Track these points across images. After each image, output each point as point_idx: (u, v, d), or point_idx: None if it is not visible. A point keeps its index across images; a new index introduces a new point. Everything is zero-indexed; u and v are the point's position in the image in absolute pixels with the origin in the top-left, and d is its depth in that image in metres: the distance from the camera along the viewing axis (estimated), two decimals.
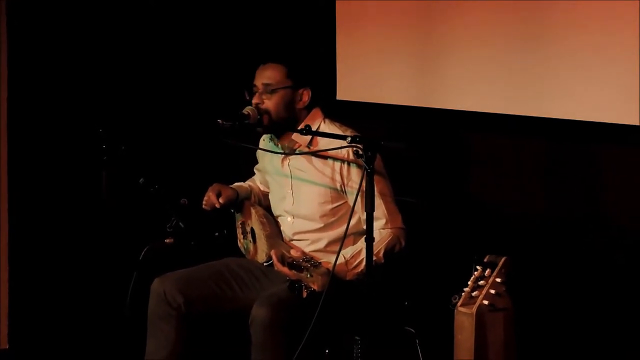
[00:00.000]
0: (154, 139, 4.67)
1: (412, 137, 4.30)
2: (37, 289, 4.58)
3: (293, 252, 3.43)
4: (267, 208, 3.77)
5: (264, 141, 3.75)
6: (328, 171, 3.53)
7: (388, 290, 3.56)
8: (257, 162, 3.89)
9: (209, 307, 3.63)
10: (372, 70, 4.41)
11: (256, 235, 3.69)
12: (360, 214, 3.46)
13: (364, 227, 3.19)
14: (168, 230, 3.66)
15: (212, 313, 3.65)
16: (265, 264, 3.63)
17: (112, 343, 4.29)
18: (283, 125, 3.57)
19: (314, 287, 3.23)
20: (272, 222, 3.68)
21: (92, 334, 4.53)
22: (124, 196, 4.01)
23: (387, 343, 3.43)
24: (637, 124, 3.55)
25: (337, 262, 3.29)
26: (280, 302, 3.36)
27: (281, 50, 4.17)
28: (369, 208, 3.12)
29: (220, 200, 3.71)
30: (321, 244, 3.57)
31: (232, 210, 3.85)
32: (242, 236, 3.84)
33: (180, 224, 3.65)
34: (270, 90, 3.55)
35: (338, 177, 3.52)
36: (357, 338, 3.19)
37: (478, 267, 2.85)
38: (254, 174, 3.96)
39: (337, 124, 3.58)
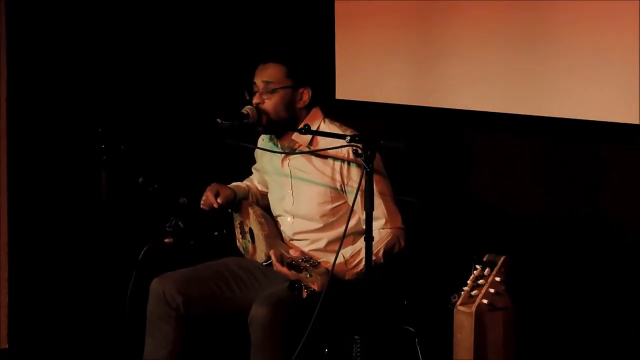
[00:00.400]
0: (154, 138, 4.68)
1: (412, 137, 4.30)
2: (36, 288, 4.59)
3: (292, 252, 3.43)
4: (265, 208, 3.77)
5: (263, 141, 3.75)
6: (328, 171, 3.53)
7: (387, 290, 3.56)
8: (255, 162, 3.88)
9: (208, 307, 3.63)
10: (371, 69, 4.41)
11: (254, 235, 3.69)
12: (360, 214, 3.46)
13: (364, 226, 3.18)
14: (167, 229, 3.66)
15: (211, 313, 3.65)
16: (264, 263, 3.63)
17: (111, 343, 4.29)
18: (283, 125, 3.57)
19: (314, 286, 3.22)
20: (270, 222, 3.67)
21: (91, 333, 4.53)
22: (123, 196, 4.01)
23: (386, 342, 3.43)
24: (638, 122, 3.55)
25: (337, 262, 3.29)
26: (280, 301, 3.35)
27: (281, 50, 4.17)
28: (369, 207, 3.12)
29: (219, 200, 3.71)
30: (321, 244, 3.57)
31: (230, 210, 3.85)
32: (240, 236, 3.84)
33: (180, 223, 3.65)
34: (270, 89, 3.54)
35: (338, 177, 3.52)
36: (357, 337, 3.19)
37: (477, 266, 2.85)
38: (252, 173, 3.96)
39: (337, 124, 3.58)
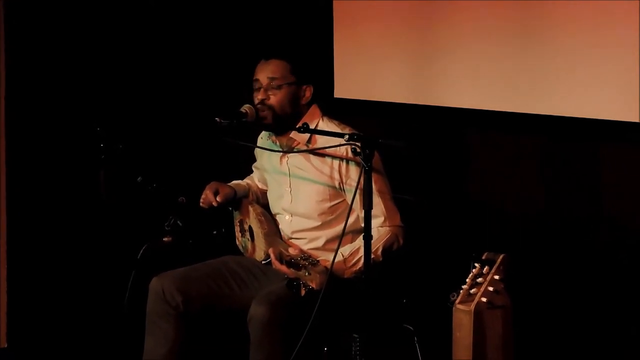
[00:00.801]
0: (152, 137, 4.67)
1: (410, 135, 4.30)
2: (35, 287, 4.59)
3: (291, 250, 3.43)
4: (265, 206, 3.77)
5: (262, 139, 3.75)
6: (326, 169, 3.53)
7: (386, 288, 3.56)
8: (255, 160, 3.89)
9: (208, 305, 3.63)
10: (370, 68, 4.41)
11: (254, 234, 3.69)
12: (358, 212, 3.46)
13: (362, 225, 3.18)
14: (166, 228, 3.66)
15: (211, 311, 3.65)
16: (263, 262, 3.63)
17: (110, 341, 4.30)
18: (287, 121, 3.56)
19: (312, 285, 3.22)
20: (270, 220, 3.67)
21: (90, 332, 4.53)
22: (122, 195, 4.01)
23: (385, 341, 3.43)
24: (637, 121, 3.54)
25: (336, 260, 3.29)
26: (279, 300, 3.35)
27: (282, 46, 4.17)
28: (367, 206, 3.11)
29: (218, 199, 3.71)
30: (319, 242, 3.57)
31: (230, 209, 3.85)
32: (240, 234, 3.84)
33: (179, 222, 3.65)
34: (276, 85, 3.54)
35: (336, 175, 3.51)
36: (356, 336, 3.19)
37: (476, 265, 2.85)
38: (252, 172, 3.96)
39: (335, 122, 3.58)
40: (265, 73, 3.55)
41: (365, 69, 4.44)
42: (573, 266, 3.83)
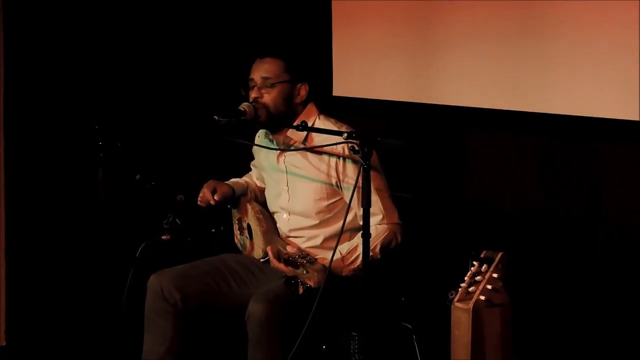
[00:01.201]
0: (151, 135, 4.67)
1: (409, 133, 4.30)
2: (34, 285, 4.58)
3: (289, 249, 3.42)
4: (264, 204, 3.77)
5: (259, 137, 3.75)
6: (324, 167, 3.53)
7: (385, 286, 3.56)
8: (253, 158, 3.89)
9: (206, 302, 3.63)
10: (369, 66, 4.41)
11: (252, 232, 3.69)
12: (356, 210, 3.47)
13: (360, 223, 3.18)
14: (165, 226, 3.66)
15: (209, 309, 3.65)
16: (261, 260, 3.63)
17: (109, 339, 4.30)
18: (281, 120, 3.56)
19: (310, 283, 3.22)
20: (268, 218, 3.67)
21: (89, 330, 4.53)
22: (120, 193, 4.01)
23: (384, 339, 3.43)
24: (637, 119, 3.55)
25: (334, 258, 3.28)
26: (277, 298, 3.35)
27: (278, 45, 4.17)
28: (366, 204, 3.11)
29: (216, 197, 3.71)
30: (317, 241, 3.57)
31: (229, 207, 3.85)
32: (238, 232, 3.84)
33: (177, 220, 3.65)
34: (269, 84, 3.54)
35: (334, 173, 3.51)
36: (354, 334, 3.19)
37: (475, 263, 2.85)
38: (251, 170, 3.96)
39: (332, 120, 3.58)
40: (259, 72, 3.55)
41: (364, 67, 4.43)
42: (572, 265, 3.83)
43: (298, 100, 3.58)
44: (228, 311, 3.63)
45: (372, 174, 3.21)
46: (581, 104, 3.73)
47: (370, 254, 3.20)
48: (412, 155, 4.08)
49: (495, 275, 2.81)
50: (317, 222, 3.56)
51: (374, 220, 3.39)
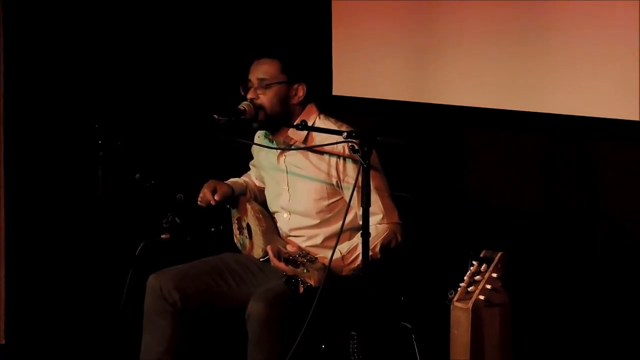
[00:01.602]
0: (150, 134, 4.67)
1: (409, 133, 4.30)
2: (33, 284, 4.58)
3: (289, 248, 3.43)
4: (263, 203, 3.77)
5: (259, 137, 3.74)
6: (324, 167, 3.52)
7: (384, 286, 3.55)
8: (253, 158, 3.88)
9: (205, 302, 3.62)
10: (368, 65, 4.41)
11: (252, 231, 3.69)
12: (356, 210, 3.46)
13: (360, 222, 3.18)
14: (164, 225, 3.66)
15: (209, 308, 3.64)
16: (261, 259, 3.63)
17: (108, 339, 4.29)
18: (278, 121, 3.56)
19: (311, 282, 3.22)
20: (268, 218, 3.67)
21: (88, 329, 4.52)
22: (120, 192, 4.01)
23: (383, 338, 3.43)
24: (637, 119, 3.54)
25: (334, 258, 3.28)
26: (277, 297, 3.35)
27: (276, 46, 4.17)
28: (365, 203, 3.11)
29: (216, 197, 3.71)
30: (317, 240, 3.57)
31: (228, 206, 3.85)
32: (238, 232, 3.84)
33: (177, 219, 3.65)
34: (265, 85, 3.54)
35: (334, 173, 3.51)
36: (354, 333, 3.19)
37: (474, 262, 2.85)
38: (250, 169, 3.96)
39: (332, 120, 3.57)
40: (255, 73, 3.56)
41: (364, 66, 4.43)
42: (571, 264, 3.83)
43: (295, 100, 3.58)
44: (228, 311, 3.63)
45: (372, 173, 3.21)
46: (581, 104, 3.72)
47: (370, 253, 3.20)
48: (411, 154, 4.08)
49: (494, 275, 2.81)
50: (318, 221, 3.56)
51: (374, 219, 3.39)
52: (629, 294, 3.68)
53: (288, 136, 3.58)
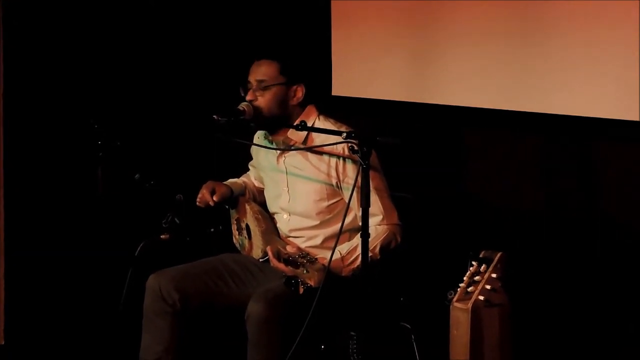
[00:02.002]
0: (150, 134, 4.67)
1: (408, 133, 4.30)
2: (33, 285, 4.58)
3: (289, 248, 3.42)
4: (262, 204, 3.76)
5: (259, 137, 3.74)
6: (324, 168, 3.52)
7: (384, 286, 3.55)
8: (252, 158, 3.88)
9: (205, 302, 3.62)
10: (368, 66, 4.40)
11: (251, 232, 3.68)
12: (356, 211, 3.46)
13: (360, 223, 3.18)
14: (164, 226, 3.65)
15: (208, 308, 3.64)
16: (261, 259, 3.62)
17: (108, 339, 4.29)
18: (276, 122, 3.56)
19: (310, 283, 3.22)
20: (267, 218, 3.67)
21: (88, 329, 4.52)
22: (119, 192, 4.00)
23: (383, 339, 3.43)
24: (637, 119, 3.54)
25: (333, 258, 3.28)
26: (276, 298, 3.35)
27: (274, 47, 4.16)
28: (365, 204, 3.11)
29: (215, 198, 3.71)
30: (317, 241, 3.57)
31: (227, 207, 3.84)
32: (237, 232, 3.83)
33: (176, 219, 3.65)
34: (263, 86, 3.54)
35: (334, 174, 3.51)
36: (353, 334, 3.19)
37: (474, 263, 2.85)
38: (249, 170, 3.95)
39: (332, 120, 3.57)
40: (254, 75, 3.56)
41: (363, 67, 4.43)
42: (571, 264, 3.83)
43: (294, 102, 3.57)
44: (227, 310, 3.63)
45: (372, 174, 3.21)
46: (581, 104, 3.72)
47: (370, 254, 3.20)
48: (411, 155, 4.08)
49: (494, 275, 2.81)
50: (318, 222, 3.56)
51: (373, 220, 3.39)
52: (629, 294, 3.68)
53: (287, 137, 3.58)
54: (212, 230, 3.86)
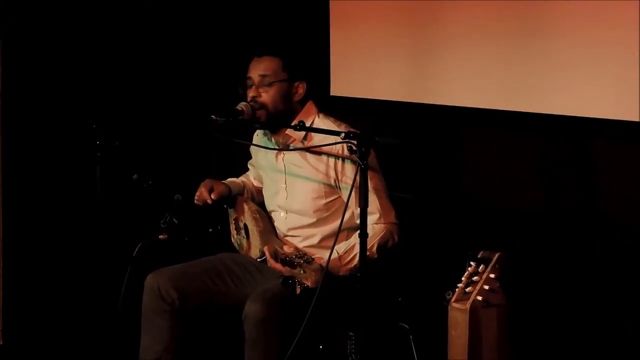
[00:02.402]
0: (148, 134, 4.67)
1: (407, 133, 4.29)
2: (31, 285, 4.58)
3: (286, 248, 3.42)
4: (260, 204, 3.76)
5: (258, 137, 3.74)
6: (322, 166, 3.52)
7: (382, 286, 3.55)
8: (251, 158, 3.88)
9: (203, 301, 3.62)
10: (367, 66, 4.40)
11: (249, 231, 3.68)
12: (354, 209, 3.46)
13: (357, 222, 3.18)
14: (162, 226, 3.66)
15: (206, 307, 3.64)
16: (259, 259, 3.62)
17: (106, 339, 4.28)
18: (280, 119, 3.55)
19: (307, 283, 3.22)
20: (265, 218, 3.67)
21: (86, 329, 4.52)
22: (118, 192, 4.00)
23: (381, 339, 3.43)
24: (637, 119, 3.54)
25: (331, 258, 3.28)
26: (274, 298, 3.35)
27: (277, 43, 4.16)
28: (363, 203, 3.11)
29: (212, 196, 3.71)
30: (315, 240, 3.56)
31: (225, 206, 3.84)
32: (235, 232, 3.83)
33: (174, 219, 3.65)
34: (267, 82, 3.53)
35: (332, 173, 3.51)
36: (351, 334, 3.19)
37: (472, 263, 2.84)
38: (248, 169, 3.95)
39: (331, 119, 3.57)
40: (256, 71, 3.55)
41: (362, 67, 4.43)
42: (570, 264, 3.83)
43: (296, 98, 3.58)
44: (225, 310, 3.62)
45: (370, 173, 3.21)
46: (581, 104, 3.72)
47: (367, 253, 3.19)
48: (410, 155, 4.08)
49: (492, 275, 2.80)
50: (315, 220, 3.56)
51: (371, 219, 3.39)
52: (629, 294, 3.68)
53: (287, 135, 3.57)
54: (210, 230, 3.86)
